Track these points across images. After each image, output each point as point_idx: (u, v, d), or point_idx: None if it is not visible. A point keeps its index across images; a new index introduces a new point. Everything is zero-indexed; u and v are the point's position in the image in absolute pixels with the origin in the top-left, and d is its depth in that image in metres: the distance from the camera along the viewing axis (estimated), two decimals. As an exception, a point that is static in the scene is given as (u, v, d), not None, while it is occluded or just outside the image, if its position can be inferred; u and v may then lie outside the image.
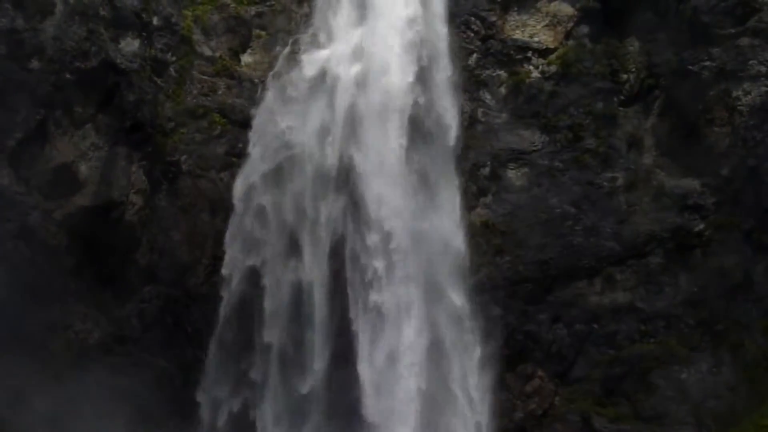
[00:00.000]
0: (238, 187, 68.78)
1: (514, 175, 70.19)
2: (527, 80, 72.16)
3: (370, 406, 60.59)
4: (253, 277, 66.67)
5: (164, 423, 62.55)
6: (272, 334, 65.54)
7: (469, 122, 71.55)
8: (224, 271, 66.61)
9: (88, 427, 55.97)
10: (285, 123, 69.65)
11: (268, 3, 74.91)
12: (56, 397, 58.31)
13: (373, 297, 63.55)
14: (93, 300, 65.50)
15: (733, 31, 66.87)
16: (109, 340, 65.27)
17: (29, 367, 58.96)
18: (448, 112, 68.72)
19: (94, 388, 61.66)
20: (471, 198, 69.62)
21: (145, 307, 66.60)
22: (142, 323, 66.39)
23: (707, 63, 67.22)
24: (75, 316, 64.65)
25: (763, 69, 65.69)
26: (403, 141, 66.50)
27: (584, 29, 72.90)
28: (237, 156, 70.61)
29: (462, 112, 70.34)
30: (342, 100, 68.49)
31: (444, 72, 69.86)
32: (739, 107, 65.59)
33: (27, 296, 60.41)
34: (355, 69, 69.01)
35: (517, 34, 73.51)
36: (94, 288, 65.65)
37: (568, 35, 73.08)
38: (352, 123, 67.83)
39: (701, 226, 65.98)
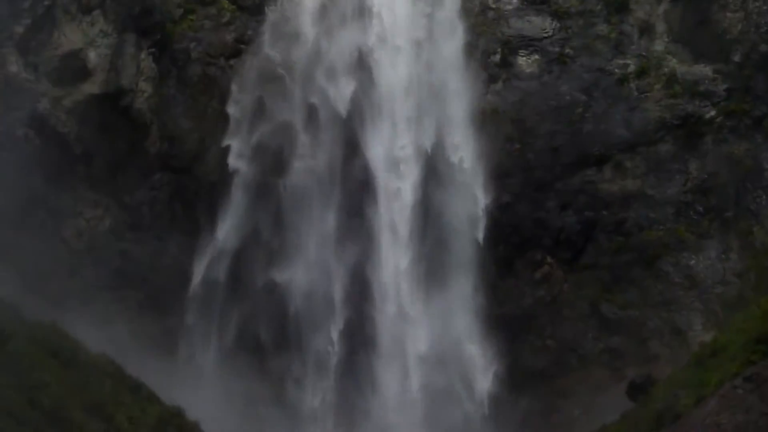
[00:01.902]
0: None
1: (524, 62, 69.70)
2: (538, -34, 71.37)
3: None
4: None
5: (173, 309, 63.10)
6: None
7: (479, 9, 70.97)
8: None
9: (98, 313, 56.37)
10: None
11: None
12: (68, 283, 58.71)
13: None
14: (103, 188, 65.67)
15: None
16: (121, 227, 65.55)
17: (42, 253, 59.36)
18: None
19: (106, 275, 62.22)
20: (481, 85, 69.29)
21: (155, 195, 66.77)
22: (152, 211, 66.60)
23: (719, -54, 66.52)
24: (86, 204, 64.89)
25: (777, -48, 64.95)
26: None
27: None
28: (246, 43, 70.23)
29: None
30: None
31: None
32: (752, -8, 65.01)
33: (38, 184, 60.63)
34: None
35: None
36: (105, 176, 65.80)
37: None
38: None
39: (712, 113, 65.67)
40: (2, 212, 55.94)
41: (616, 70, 68.26)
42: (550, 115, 68.07)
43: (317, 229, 65.73)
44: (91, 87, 65.81)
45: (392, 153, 67.67)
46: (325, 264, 65.02)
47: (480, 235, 65.35)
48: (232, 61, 69.56)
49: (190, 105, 68.49)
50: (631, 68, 68.13)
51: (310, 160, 67.58)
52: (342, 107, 67.96)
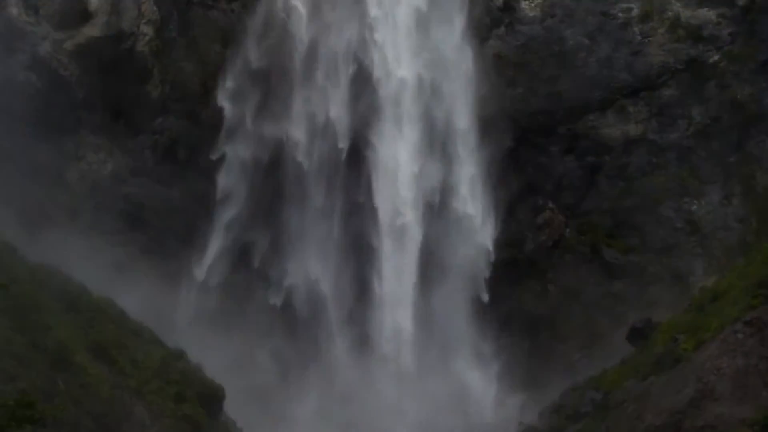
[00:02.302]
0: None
1: (527, 6, 69.25)
2: None
3: None
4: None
5: (175, 252, 63.24)
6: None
7: (482, -49, 70.50)
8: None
9: (101, 257, 56.51)
10: None
11: None
12: (70, 227, 58.76)
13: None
14: (106, 132, 65.57)
15: None
16: (123, 172, 65.54)
17: (44, 197, 59.42)
18: None
19: (109, 219, 62.27)
20: (484, 30, 68.99)
21: (157, 139, 66.67)
22: (154, 155, 66.55)
23: None
24: (88, 148, 64.83)
25: None
26: None
27: None
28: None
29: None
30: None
31: None
32: (758, -67, 64.52)
33: (40, 128, 60.51)
34: None
35: None
36: (107, 120, 65.68)
37: None
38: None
39: (716, 58, 65.39)
40: (4, 156, 55.92)
41: (620, 14, 67.85)
42: (553, 60, 67.78)
43: None
44: (92, 30, 65.51)
45: None
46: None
47: None
48: (233, 5, 69.14)
49: (192, 48, 68.17)
50: (635, 12, 67.74)
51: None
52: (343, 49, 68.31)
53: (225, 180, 66.72)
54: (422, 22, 69.11)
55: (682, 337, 47.84)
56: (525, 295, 64.33)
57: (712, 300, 49.71)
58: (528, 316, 63.72)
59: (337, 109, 67.30)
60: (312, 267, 65.07)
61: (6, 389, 35.27)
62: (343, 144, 66.78)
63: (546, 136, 67.04)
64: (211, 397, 46.74)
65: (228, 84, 67.71)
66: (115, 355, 43.60)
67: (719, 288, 50.53)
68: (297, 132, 67.35)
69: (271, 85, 67.86)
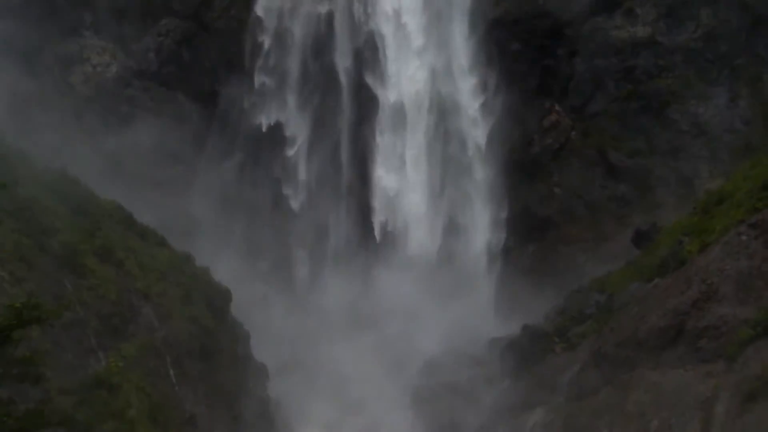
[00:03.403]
0: None
1: None
2: None
3: None
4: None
5: (183, 158, 63.35)
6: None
7: None
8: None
9: (104, 162, 56.62)
10: None
11: None
12: (76, 129, 58.76)
13: None
14: (109, 34, 65.32)
15: None
16: (128, 74, 65.38)
17: (49, 99, 59.34)
18: None
19: (113, 121, 62.26)
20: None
21: (162, 41, 66.42)
22: (159, 57, 66.36)
23: None
24: (92, 50, 64.67)
25: None
26: None
27: None
28: None
29: None
30: None
31: None
32: None
33: (42, 30, 60.22)
34: None
35: None
36: (110, 21, 65.36)
37: None
38: None
39: (724, -41, 64.64)
40: (8, 58, 55.73)
41: None
42: (560, -40, 67.08)
43: None
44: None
45: None
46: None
47: None
48: None
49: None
50: None
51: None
52: None
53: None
54: None
55: (686, 239, 48.03)
56: (531, 198, 64.41)
57: (717, 202, 49.77)
58: (534, 218, 63.86)
59: None
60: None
61: (14, 292, 35.65)
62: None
63: (553, 38, 66.53)
64: (219, 300, 47.10)
65: None
66: (122, 258, 43.81)
67: (724, 190, 50.59)
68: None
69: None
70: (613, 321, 47.73)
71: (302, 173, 66.45)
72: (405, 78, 67.44)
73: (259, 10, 68.09)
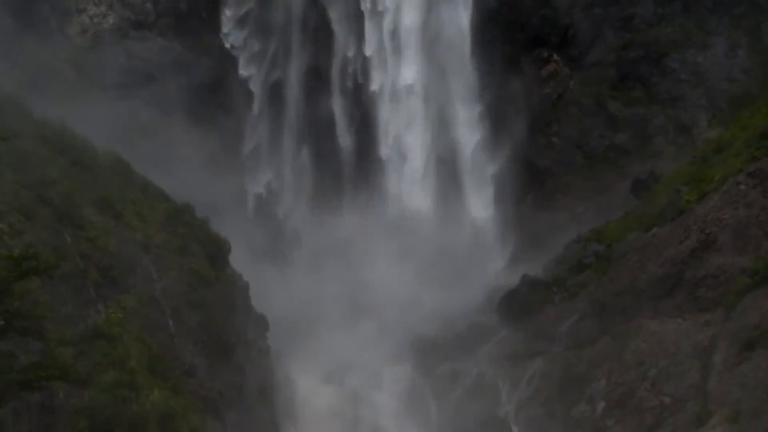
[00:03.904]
0: None
1: None
2: None
3: None
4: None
5: (179, 107, 63.33)
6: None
7: None
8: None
9: (104, 110, 56.54)
10: None
11: None
12: (73, 81, 58.59)
13: None
14: (106, -16, 65.03)
15: None
16: (125, 25, 65.13)
17: (46, 51, 59.11)
18: None
19: (111, 73, 62.09)
20: None
21: (159, -9, 66.22)
22: (156, 8, 66.09)
23: None
24: (89, 1, 64.30)
25: None
26: None
27: None
28: None
29: None
30: None
31: None
32: None
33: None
34: None
35: None
36: (106, -29, 65.11)
37: None
38: None
39: None
40: (5, 11, 55.49)
41: None
42: None
43: None
44: None
45: None
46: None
47: None
48: None
49: None
50: None
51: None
52: None
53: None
54: None
55: (685, 188, 48.10)
56: (529, 148, 64.33)
57: (716, 152, 49.84)
58: (532, 168, 63.82)
59: None
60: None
61: (13, 243, 35.69)
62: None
63: (552, -13, 66.32)
64: (217, 251, 47.11)
65: None
66: (120, 209, 43.81)
67: (723, 139, 50.64)
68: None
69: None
70: (611, 271, 47.98)
71: None
72: None
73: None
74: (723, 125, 56.24)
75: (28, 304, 27.82)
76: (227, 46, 67.47)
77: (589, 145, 63.39)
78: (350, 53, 67.53)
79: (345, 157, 66.47)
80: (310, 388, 50.32)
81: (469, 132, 66.06)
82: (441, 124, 66.24)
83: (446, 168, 65.54)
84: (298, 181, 66.75)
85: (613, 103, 63.68)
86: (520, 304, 52.79)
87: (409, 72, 66.99)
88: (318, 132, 66.88)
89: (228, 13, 67.48)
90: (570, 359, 45.98)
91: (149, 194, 47.78)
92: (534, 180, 63.64)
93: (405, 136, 66.33)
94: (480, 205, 64.72)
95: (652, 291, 43.70)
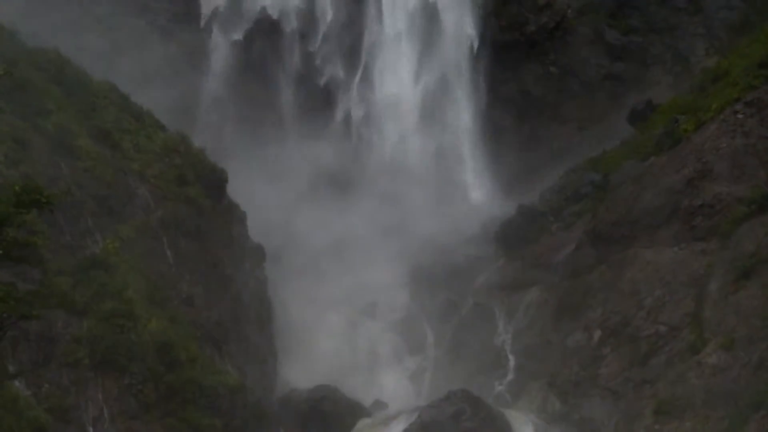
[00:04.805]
0: None
1: None
2: None
3: None
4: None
5: (177, 36, 63.16)
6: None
7: None
8: None
9: (99, 41, 56.28)
10: None
11: None
12: (68, 10, 58.17)
13: None
14: None
15: None
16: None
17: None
18: None
19: (106, 2, 61.73)
20: None
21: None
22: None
23: None
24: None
25: None
26: None
27: None
28: None
29: None
30: None
31: None
32: None
33: None
34: None
35: None
36: None
37: None
38: None
39: None
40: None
41: None
42: None
43: None
44: None
45: None
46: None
47: None
48: None
49: None
50: None
51: None
52: None
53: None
54: None
55: (682, 117, 48.05)
56: (526, 77, 64.07)
57: (713, 80, 49.72)
58: (529, 98, 63.62)
59: None
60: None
61: (10, 174, 35.71)
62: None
63: None
64: (215, 180, 47.09)
65: None
66: (117, 139, 43.76)
67: (720, 68, 50.47)
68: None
69: None
70: (608, 200, 48.09)
71: None
72: None
73: None
74: (721, 54, 56.01)
75: (25, 233, 27.85)
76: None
77: (586, 74, 63.13)
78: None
79: None
80: (307, 318, 50.54)
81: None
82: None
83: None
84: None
85: (610, 32, 63.34)
86: (516, 233, 52.99)
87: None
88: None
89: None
90: (566, 288, 46.25)
91: (146, 124, 47.57)
92: (530, 109, 63.42)
93: None
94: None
95: (648, 220, 43.84)
